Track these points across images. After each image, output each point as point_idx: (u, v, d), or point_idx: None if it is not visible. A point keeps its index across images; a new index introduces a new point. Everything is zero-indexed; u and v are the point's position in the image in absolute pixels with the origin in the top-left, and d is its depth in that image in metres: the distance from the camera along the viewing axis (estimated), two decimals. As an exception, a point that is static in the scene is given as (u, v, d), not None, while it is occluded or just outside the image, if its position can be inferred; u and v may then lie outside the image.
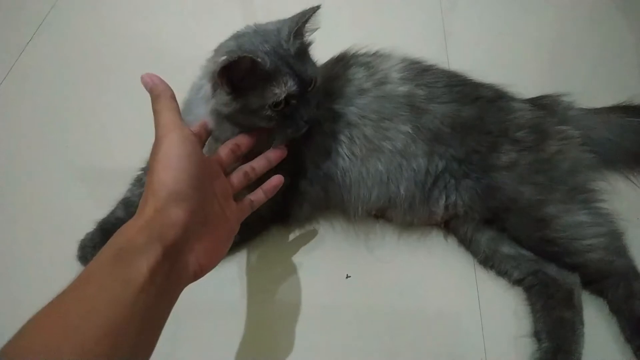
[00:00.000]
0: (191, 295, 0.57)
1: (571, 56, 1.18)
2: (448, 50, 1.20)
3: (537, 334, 0.77)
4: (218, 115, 0.73)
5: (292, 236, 0.91)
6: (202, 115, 0.76)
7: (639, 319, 0.74)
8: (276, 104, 0.68)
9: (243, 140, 0.71)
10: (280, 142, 0.74)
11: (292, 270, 0.87)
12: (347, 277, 0.85)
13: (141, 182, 0.91)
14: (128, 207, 0.88)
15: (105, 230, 0.86)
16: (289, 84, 0.67)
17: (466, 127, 0.83)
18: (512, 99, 0.88)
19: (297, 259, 0.88)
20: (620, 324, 0.77)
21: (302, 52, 0.71)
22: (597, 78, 1.13)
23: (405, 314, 0.81)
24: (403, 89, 0.84)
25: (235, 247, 0.87)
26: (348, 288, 0.85)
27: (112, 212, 0.88)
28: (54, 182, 0.98)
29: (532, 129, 0.83)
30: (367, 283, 0.85)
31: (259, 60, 0.64)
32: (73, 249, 0.84)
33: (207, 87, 0.72)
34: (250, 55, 0.63)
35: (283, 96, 0.67)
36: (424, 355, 0.77)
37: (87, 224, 0.86)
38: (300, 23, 0.68)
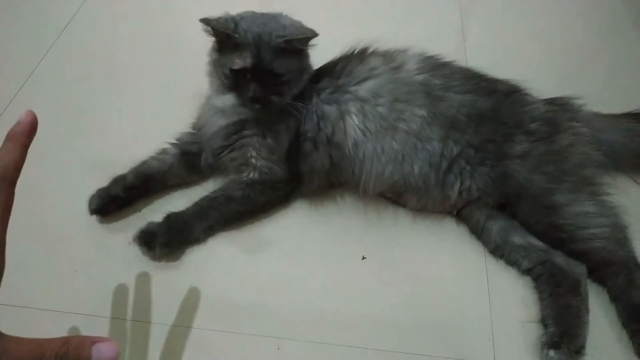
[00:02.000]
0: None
1: (585, 64, 1.24)
2: (466, 50, 1.25)
3: (544, 320, 0.79)
4: (210, 61, 0.92)
5: (310, 218, 0.95)
6: None
7: (635, 305, 0.78)
8: (233, 70, 0.85)
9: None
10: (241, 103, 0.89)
11: (310, 249, 0.90)
12: (363, 259, 0.89)
13: (164, 152, 0.96)
14: (139, 167, 0.94)
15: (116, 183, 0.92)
16: (247, 61, 0.83)
17: (481, 117, 0.88)
18: (526, 93, 0.93)
19: (315, 238, 0.92)
20: (618, 311, 0.80)
21: (286, 51, 0.85)
22: (608, 87, 1.17)
23: (416, 296, 0.84)
24: (419, 77, 0.91)
25: (256, 215, 0.93)
26: (363, 269, 0.88)
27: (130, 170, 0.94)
28: (66, 172, 1.01)
29: (545, 122, 0.88)
30: (382, 265, 0.88)
31: (226, 31, 0.83)
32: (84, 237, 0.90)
33: None
34: (214, 24, 0.83)
35: (238, 67, 0.84)
36: (432, 336, 0.80)
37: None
38: (293, 37, 0.84)
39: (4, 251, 0.46)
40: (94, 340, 0.46)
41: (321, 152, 0.91)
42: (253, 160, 0.91)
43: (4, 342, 0.43)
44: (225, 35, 0.84)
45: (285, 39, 0.83)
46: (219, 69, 0.88)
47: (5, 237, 0.46)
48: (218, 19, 0.85)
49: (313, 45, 0.89)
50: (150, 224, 0.87)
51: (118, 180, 0.92)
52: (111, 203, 0.90)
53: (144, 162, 0.95)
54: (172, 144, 0.97)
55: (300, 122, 0.91)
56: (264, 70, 0.84)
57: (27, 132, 0.50)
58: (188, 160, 0.96)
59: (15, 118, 0.49)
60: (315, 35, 0.85)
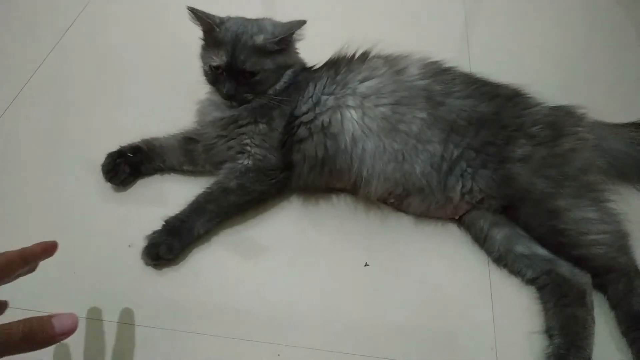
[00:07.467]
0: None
1: (588, 73, 1.23)
2: (470, 56, 1.25)
3: (549, 331, 0.79)
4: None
5: (313, 224, 0.94)
6: None
7: (635, 313, 0.77)
8: (211, 67, 0.92)
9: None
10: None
11: (313, 256, 0.90)
12: (365, 265, 0.88)
13: (172, 135, 1.03)
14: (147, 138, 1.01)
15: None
16: (222, 58, 0.89)
17: (482, 121, 0.88)
18: (529, 97, 0.93)
19: (317, 245, 0.91)
20: (617, 318, 0.80)
21: (264, 51, 0.90)
22: (611, 97, 1.16)
23: (418, 303, 0.84)
24: (421, 82, 0.91)
25: (254, 205, 0.94)
26: (366, 276, 0.87)
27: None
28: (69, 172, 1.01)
29: (547, 125, 0.87)
30: (384, 273, 0.87)
31: (207, 20, 0.90)
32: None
33: None
34: (199, 13, 0.90)
35: (214, 64, 0.91)
36: (434, 344, 0.79)
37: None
38: (267, 41, 0.90)
39: None
40: (52, 315, 0.51)
41: (315, 140, 0.91)
42: (248, 148, 0.92)
43: None
44: (208, 26, 0.90)
45: (260, 40, 0.89)
46: (202, 64, 0.95)
47: None
48: (206, 13, 0.90)
49: (300, 39, 0.93)
50: (152, 236, 0.86)
51: (128, 144, 0.98)
52: (121, 163, 0.95)
53: (153, 137, 1.00)
54: (180, 131, 1.01)
55: (295, 107, 0.93)
56: (237, 69, 0.89)
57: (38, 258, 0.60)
58: (187, 146, 0.99)
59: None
60: (290, 33, 0.90)
